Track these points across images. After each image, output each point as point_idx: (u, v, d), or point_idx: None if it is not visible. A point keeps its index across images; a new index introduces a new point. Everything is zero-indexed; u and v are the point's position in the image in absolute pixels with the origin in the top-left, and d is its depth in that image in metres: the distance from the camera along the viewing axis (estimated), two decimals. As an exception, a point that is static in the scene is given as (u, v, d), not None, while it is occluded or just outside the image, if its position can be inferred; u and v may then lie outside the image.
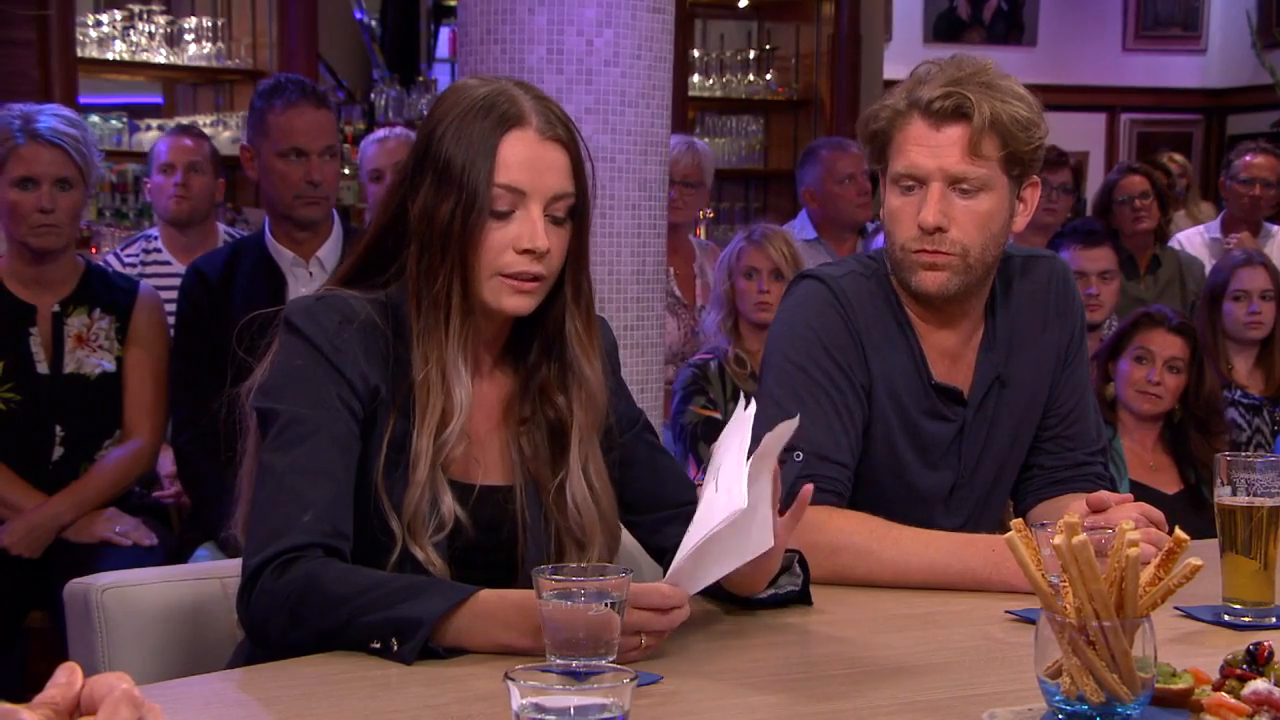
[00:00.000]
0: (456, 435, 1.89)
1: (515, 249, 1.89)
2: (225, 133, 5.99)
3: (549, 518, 1.97)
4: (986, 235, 2.26)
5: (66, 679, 1.06)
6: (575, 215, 1.95)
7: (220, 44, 6.10)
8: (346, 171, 5.77)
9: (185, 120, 5.98)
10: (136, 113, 6.28)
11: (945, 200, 2.24)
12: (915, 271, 2.27)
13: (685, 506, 2.07)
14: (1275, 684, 1.50)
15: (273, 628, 1.77)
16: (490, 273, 1.89)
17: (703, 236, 6.04)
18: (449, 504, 1.87)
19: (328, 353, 1.86)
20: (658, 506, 2.09)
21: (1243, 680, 1.53)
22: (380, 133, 5.21)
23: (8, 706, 1.02)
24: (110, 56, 5.90)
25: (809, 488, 1.86)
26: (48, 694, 1.06)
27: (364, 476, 1.87)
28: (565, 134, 1.93)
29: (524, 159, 1.89)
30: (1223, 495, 2.01)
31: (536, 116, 1.91)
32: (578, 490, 1.96)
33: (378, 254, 1.96)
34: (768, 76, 7.55)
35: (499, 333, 1.99)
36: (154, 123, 6.09)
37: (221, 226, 4.71)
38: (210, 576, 2.07)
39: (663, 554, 2.08)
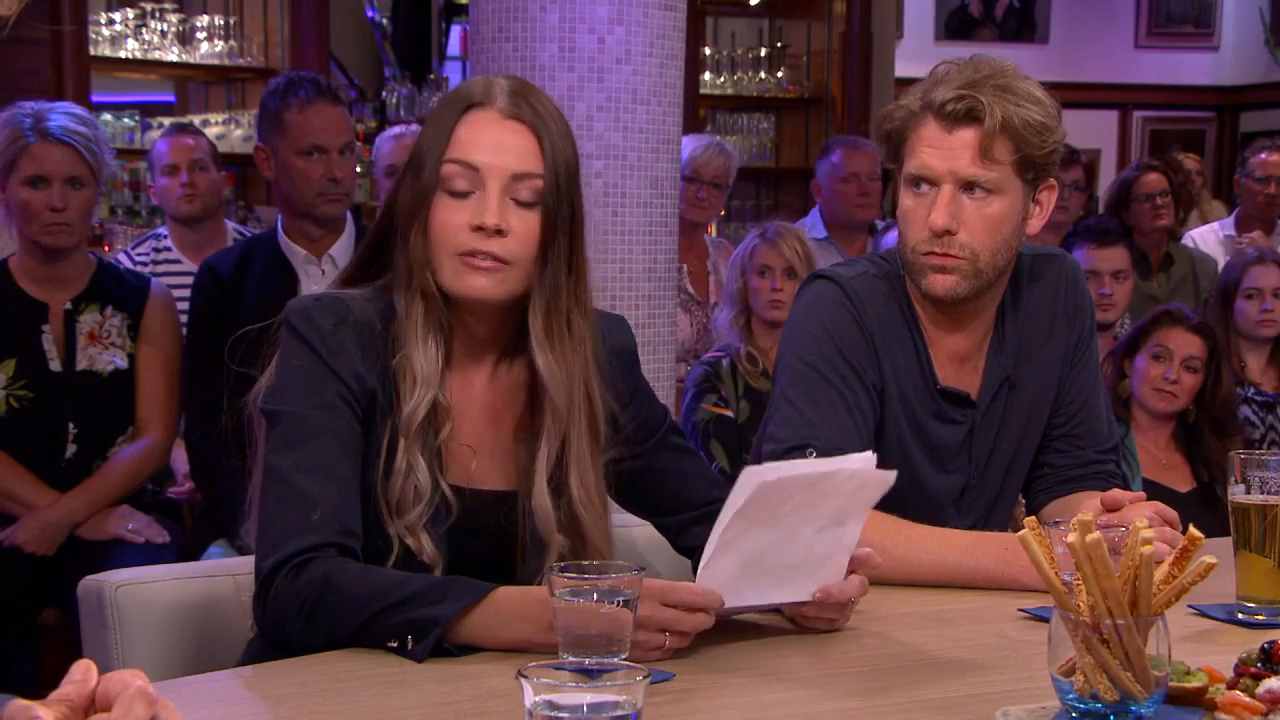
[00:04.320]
0: (425, 408, 1.87)
1: (468, 226, 1.87)
2: (237, 131, 5.99)
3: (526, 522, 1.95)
4: (997, 239, 2.25)
5: (82, 676, 1.07)
6: (547, 202, 1.90)
7: (232, 42, 6.11)
8: (359, 170, 5.78)
9: (197, 119, 5.99)
10: (149, 111, 6.29)
11: (955, 203, 2.23)
12: (925, 274, 2.27)
13: (711, 505, 2.06)
14: (1290, 682, 1.49)
15: (290, 630, 1.77)
16: (448, 252, 1.88)
17: (714, 234, 6.04)
18: (425, 482, 1.86)
19: (324, 354, 1.86)
20: (683, 508, 2.09)
21: (1257, 679, 1.53)
22: (396, 129, 5.22)
23: (24, 703, 1.02)
24: (122, 55, 5.91)
25: (867, 553, 1.89)
26: (63, 691, 1.06)
27: (363, 481, 1.87)
28: (532, 115, 1.90)
29: (480, 137, 1.88)
30: (1237, 493, 2.01)
31: (503, 98, 1.90)
32: (536, 493, 1.92)
33: (373, 251, 1.98)
34: (779, 74, 7.54)
35: (497, 330, 1.96)
36: (166, 121, 6.09)
37: (230, 224, 4.72)
38: (223, 574, 2.08)
39: (692, 553, 2.08)
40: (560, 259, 1.91)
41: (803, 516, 1.78)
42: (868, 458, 1.83)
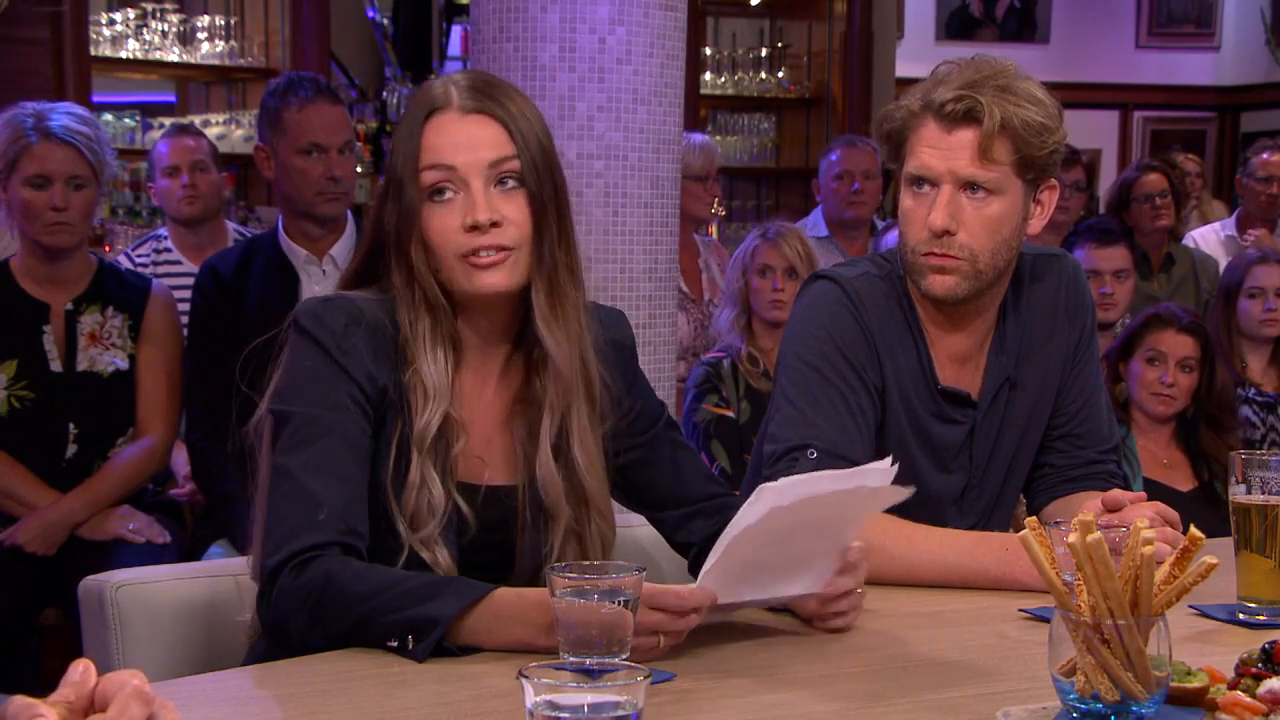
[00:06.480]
0: (437, 423, 1.87)
1: (463, 227, 1.88)
2: (238, 131, 6.00)
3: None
4: (997, 239, 2.25)
5: (80, 676, 1.07)
6: (528, 181, 1.91)
7: (233, 42, 6.11)
8: (359, 170, 5.78)
9: (198, 119, 6.00)
10: (149, 111, 6.29)
11: (955, 203, 2.23)
12: (925, 274, 2.27)
13: (708, 501, 2.08)
14: (1291, 683, 1.49)
15: (292, 627, 1.77)
16: (452, 257, 1.89)
17: (714, 234, 6.04)
18: (439, 495, 1.87)
19: (335, 354, 1.87)
20: (680, 503, 2.09)
21: (1258, 679, 1.53)
22: None
23: (27, 700, 1.02)
24: (123, 55, 5.91)
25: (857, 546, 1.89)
26: (62, 692, 1.06)
27: (373, 479, 1.88)
28: (492, 104, 1.91)
29: (448, 137, 1.89)
30: (1238, 493, 2.01)
31: (459, 96, 1.91)
32: (543, 462, 1.93)
33: (369, 265, 1.98)
34: (780, 74, 7.55)
35: (506, 324, 1.97)
36: (167, 121, 6.09)
37: (231, 225, 4.72)
38: (224, 574, 2.08)
39: (687, 550, 2.09)
40: (552, 234, 1.93)
41: (811, 523, 1.77)
42: (886, 470, 1.77)
